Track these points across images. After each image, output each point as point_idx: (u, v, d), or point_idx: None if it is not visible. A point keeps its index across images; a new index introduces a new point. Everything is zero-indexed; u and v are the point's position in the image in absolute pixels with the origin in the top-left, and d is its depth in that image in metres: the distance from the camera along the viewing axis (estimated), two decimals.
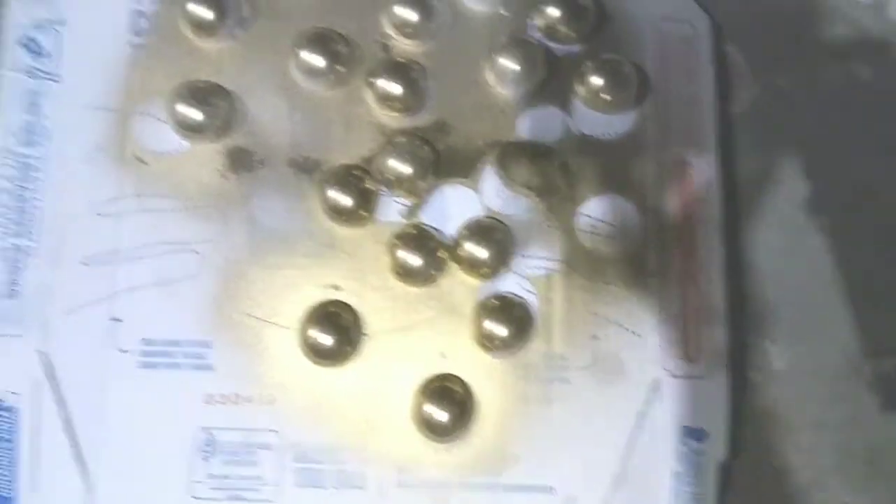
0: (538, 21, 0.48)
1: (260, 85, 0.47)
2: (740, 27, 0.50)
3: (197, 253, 0.45)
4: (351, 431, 0.44)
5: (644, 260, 0.46)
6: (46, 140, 0.46)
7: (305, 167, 0.46)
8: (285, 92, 0.47)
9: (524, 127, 0.47)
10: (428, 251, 0.45)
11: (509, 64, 0.47)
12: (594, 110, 0.47)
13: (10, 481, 0.42)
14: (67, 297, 0.44)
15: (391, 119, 0.47)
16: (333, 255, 0.46)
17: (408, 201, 0.46)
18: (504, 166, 0.46)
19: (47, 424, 0.43)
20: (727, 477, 0.45)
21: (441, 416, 0.43)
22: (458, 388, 0.44)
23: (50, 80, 0.46)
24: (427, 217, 0.46)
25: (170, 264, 0.45)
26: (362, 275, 0.45)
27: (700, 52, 0.48)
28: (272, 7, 0.48)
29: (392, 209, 0.46)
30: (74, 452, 0.43)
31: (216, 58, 0.47)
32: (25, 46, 0.46)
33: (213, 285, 0.45)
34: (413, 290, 0.45)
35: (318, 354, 0.44)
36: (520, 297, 0.45)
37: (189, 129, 0.45)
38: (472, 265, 0.45)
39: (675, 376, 0.45)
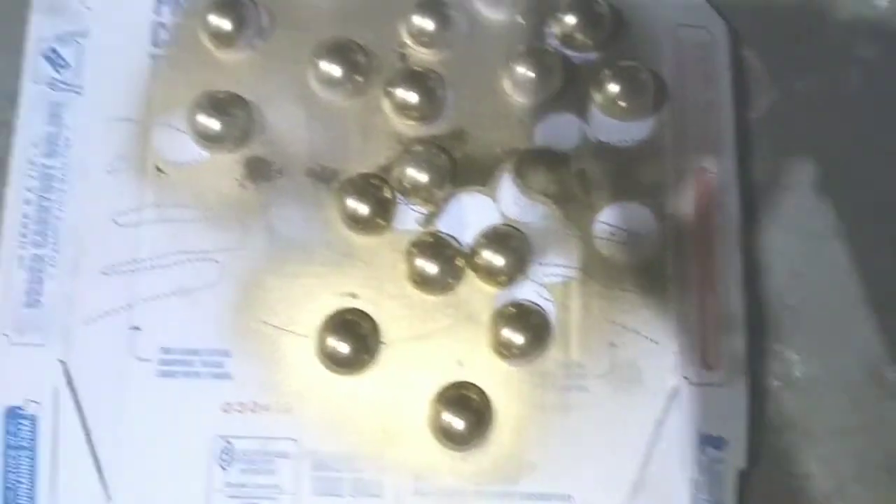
0: (555, 29, 0.48)
1: (278, 95, 0.47)
2: (758, 32, 0.49)
3: (216, 262, 0.45)
4: (368, 440, 0.44)
5: (662, 267, 0.46)
6: (68, 151, 0.46)
7: (323, 176, 0.46)
8: (303, 102, 0.47)
9: (541, 135, 0.47)
10: (445, 259, 0.45)
11: (526, 72, 0.47)
12: (611, 118, 0.47)
13: (29, 489, 0.43)
14: (87, 306, 0.44)
15: (408, 128, 0.47)
16: (351, 264, 0.46)
17: (425, 209, 0.46)
18: (521, 174, 0.46)
19: (67, 433, 0.43)
20: (746, 485, 0.44)
21: (458, 424, 0.43)
22: (475, 396, 0.44)
23: (71, 91, 0.47)
24: (444, 225, 0.46)
25: (189, 273, 0.45)
26: (379, 283, 0.45)
27: (717, 58, 0.48)
28: (290, 18, 0.48)
29: (409, 217, 0.46)
30: (93, 461, 0.43)
31: (235, 68, 0.47)
32: (47, 58, 0.47)
33: (232, 294, 0.45)
34: (430, 298, 0.45)
35: (336, 363, 0.44)
36: (537, 304, 0.45)
37: (208, 139, 0.46)
38: (489, 273, 0.45)
39: (693, 384, 0.45)
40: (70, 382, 0.43)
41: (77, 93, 0.47)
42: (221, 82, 0.47)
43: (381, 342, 0.45)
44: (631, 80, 0.47)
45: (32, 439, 0.43)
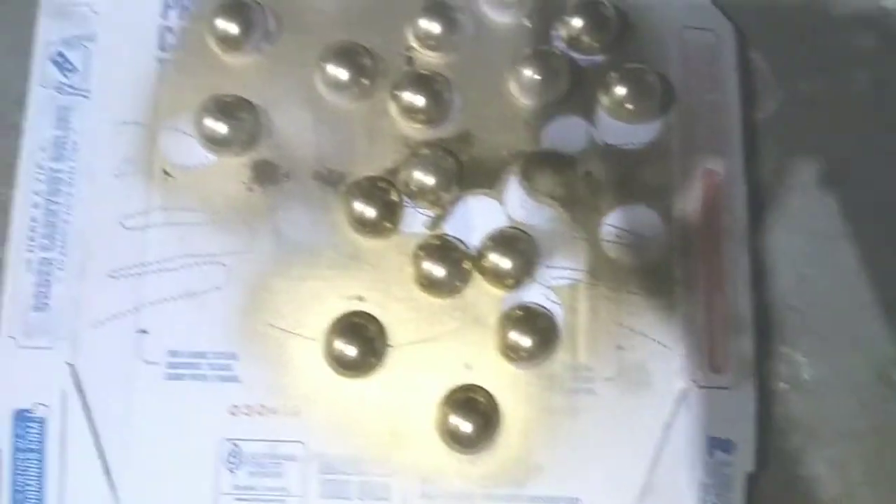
0: (561, 32, 0.48)
1: (285, 98, 0.47)
2: (764, 33, 0.49)
3: (223, 265, 0.45)
4: (375, 442, 0.44)
5: (669, 269, 0.46)
6: (75, 154, 0.46)
7: (330, 179, 0.46)
8: (310, 105, 0.47)
9: (548, 137, 0.47)
10: (452, 262, 0.45)
11: (533, 75, 0.47)
12: (618, 120, 0.47)
13: (37, 491, 0.43)
14: (95, 309, 0.45)
15: (415, 131, 0.47)
16: (358, 267, 0.46)
17: (432, 212, 0.46)
18: (528, 177, 0.46)
19: (75, 436, 0.43)
20: (754, 488, 0.44)
21: (465, 427, 0.43)
22: (482, 398, 0.44)
23: (79, 95, 0.47)
24: (451, 228, 0.46)
25: (196, 277, 0.45)
26: (387, 286, 0.46)
27: (724, 60, 0.48)
28: (297, 21, 0.48)
29: (416, 220, 0.46)
30: (101, 463, 0.43)
31: (242, 72, 0.48)
32: (55, 62, 0.47)
33: (239, 297, 0.45)
34: (437, 301, 0.45)
35: (343, 365, 0.44)
36: (544, 307, 0.45)
37: (215, 142, 0.46)
38: (496, 276, 0.45)
39: (701, 387, 0.45)
40: (78, 385, 0.44)
41: (84, 96, 0.47)
42: (228, 86, 0.47)
43: (389, 345, 0.45)
44: (637, 83, 0.47)
45: (41, 442, 0.43)
